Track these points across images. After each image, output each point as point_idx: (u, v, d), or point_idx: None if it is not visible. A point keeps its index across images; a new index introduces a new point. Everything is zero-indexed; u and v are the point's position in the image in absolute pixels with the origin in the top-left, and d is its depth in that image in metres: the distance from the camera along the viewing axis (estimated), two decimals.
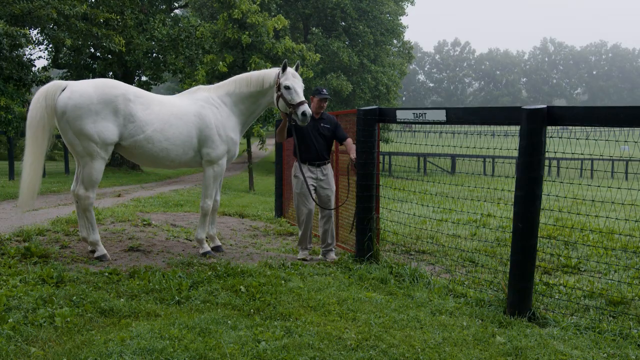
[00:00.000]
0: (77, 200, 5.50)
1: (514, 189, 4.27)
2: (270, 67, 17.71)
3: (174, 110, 5.61)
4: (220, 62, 17.26)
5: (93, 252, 5.47)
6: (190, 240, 6.56)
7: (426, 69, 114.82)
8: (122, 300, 4.10)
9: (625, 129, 4.33)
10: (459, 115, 5.07)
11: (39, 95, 5.21)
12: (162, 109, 5.55)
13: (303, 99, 5.64)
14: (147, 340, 3.33)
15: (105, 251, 5.48)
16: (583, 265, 6.08)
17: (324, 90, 6.11)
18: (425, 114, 5.25)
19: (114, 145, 5.43)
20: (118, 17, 18.75)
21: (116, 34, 17.91)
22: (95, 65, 21.60)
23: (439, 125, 6.00)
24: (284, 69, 5.69)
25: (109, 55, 21.25)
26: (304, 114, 5.54)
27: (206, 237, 6.00)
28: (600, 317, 4.24)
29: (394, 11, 33.43)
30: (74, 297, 4.01)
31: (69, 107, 5.12)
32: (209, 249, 5.90)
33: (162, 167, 5.96)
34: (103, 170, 5.48)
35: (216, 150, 5.75)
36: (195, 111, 5.69)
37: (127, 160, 22.76)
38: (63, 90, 5.21)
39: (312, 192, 5.95)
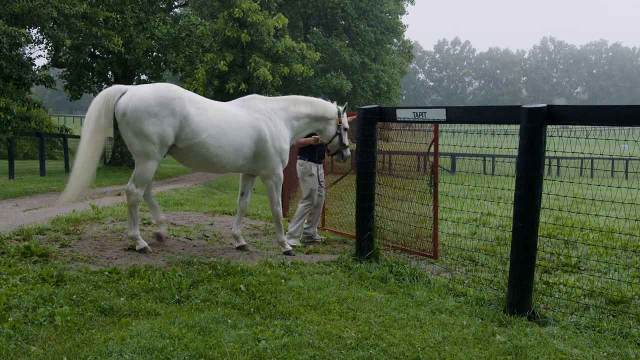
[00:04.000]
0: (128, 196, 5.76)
1: (514, 188, 4.27)
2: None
3: (228, 119, 5.77)
4: (221, 61, 17.26)
5: (133, 247, 5.75)
6: (191, 239, 6.56)
7: (426, 68, 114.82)
8: (122, 299, 4.10)
9: (625, 128, 4.33)
10: (458, 114, 5.07)
11: (100, 97, 5.50)
12: (217, 116, 5.73)
13: None
14: (147, 339, 3.33)
15: (145, 244, 5.75)
16: (583, 264, 6.08)
17: (327, 99, 6.81)
18: (425, 112, 5.25)
19: (170, 147, 5.65)
20: (118, 15, 18.74)
21: (115, 33, 17.90)
22: (95, 65, 21.57)
23: (439, 124, 6.02)
24: (344, 110, 6.46)
25: (109, 55, 21.23)
26: (349, 155, 6.54)
27: (236, 235, 6.32)
28: (600, 316, 4.24)
29: (394, 10, 33.43)
30: (74, 296, 4.01)
31: (128, 109, 5.39)
32: (289, 248, 6.28)
33: (213, 172, 6.20)
34: (155, 170, 5.69)
35: (271, 162, 6.01)
36: (250, 123, 5.88)
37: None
38: (123, 94, 5.48)
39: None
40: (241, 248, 6.20)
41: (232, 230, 6.39)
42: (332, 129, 6.38)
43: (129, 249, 5.76)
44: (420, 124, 6.14)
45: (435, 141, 6.08)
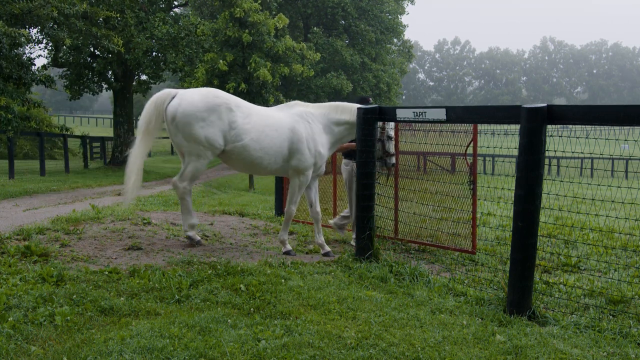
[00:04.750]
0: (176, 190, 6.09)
1: (514, 188, 4.27)
2: (269, 67, 17.84)
3: (269, 122, 5.99)
4: (220, 61, 17.26)
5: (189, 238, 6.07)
6: None
7: (426, 67, 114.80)
8: (122, 299, 4.10)
9: (625, 127, 4.33)
10: (458, 114, 5.07)
11: (151, 102, 5.90)
12: (260, 120, 5.96)
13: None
14: (147, 339, 3.33)
15: (198, 237, 6.11)
16: (583, 264, 6.09)
17: (370, 100, 6.90)
18: (425, 112, 5.25)
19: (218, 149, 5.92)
20: (118, 15, 18.74)
21: (115, 33, 17.89)
22: (95, 64, 21.57)
23: (439, 124, 6.04)
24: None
25: (109, 55, 21.23)
26: (393, 164, 6.51)
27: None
28: (600, 316, 4.24)
29: (394, 10, 33.43)
30: (74, 296, 4.01)
31: (178, 113, 5.71)
32: (290, 248, 6.27)
33: (255, 174, 6.49)
34: (204, 169, 6.03)
35: (304, 162, 6.10)
36: (289, 124, 6.06)
37: (127, 159, 22.77)
38: (173, 98, 5.80)
39: None
40: (287, 253, 6.19)
41: (279, 236, 6.41)
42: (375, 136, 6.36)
43: (129, 248, 5.76)
44: (457, 126, 6.41)
45: (474, 142, 6.31)
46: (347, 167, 7.11)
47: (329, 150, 6.35)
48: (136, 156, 5.90)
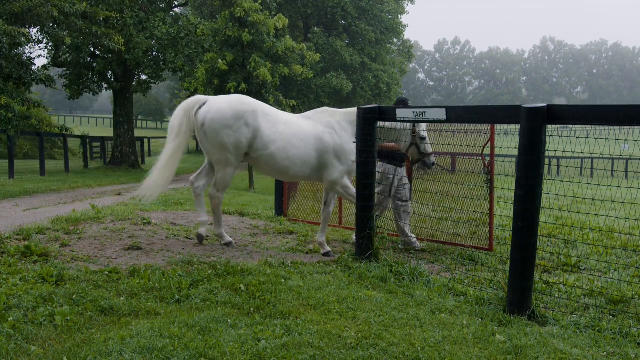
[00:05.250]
0: (210, 199, 6.26)
1: (514, 188, 4.27)
2: (269, 66, 17.86)
3: (296, 131, 6.08)
4: (220, 61, 17.26)
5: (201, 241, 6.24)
6: (191, 239, 6.56)
7: (426, 67, 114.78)
8: (122, 298, 4.10)
9: (625, 127, 4.33)
10: (458, 114, 5.07)
11: (180, 108, 6.05)
12: (286, 129, 6.06)
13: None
14: (147, 339, 3.33)
15: (230, 239, 6.34)
16: (583, 264, 6.09)
17: (409, 102, 6.88)
18: (425, 112, 5.25)
19: (244, 155, 6.07)
20: (118, 14, 18.73)
21: (116, 32, 17.88)
22: (95, 64, 21.56)
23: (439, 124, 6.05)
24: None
25: (109, 54, 21.22)
26: (433, 163, 6.45)
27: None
28: (600, 316, 4.24)
29: (394, 10, 33.42)
30: (74, 296, 4.01)
31: (207, 120, 5.85)
32: (329, 249, 6.31)
33: (284, 180, 6.68)
34: (233, 175, 6.20)
35: (334, 172, 6.16)
36: (315, 134, 6.12)
37: (127, 159, 22.76)
38: (202, 105, 5.94)
39: None
40: (326, 255, 6.22)
41: (316, 238, 6.47)
42: (406, 138, 6.37)
43: (129, 248, 5.76)
44: (474, 126, 6.50)
45: (491, 141, 6.40)
46: (379, 169, 6.87)
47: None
48: (165, 158, 6.02)
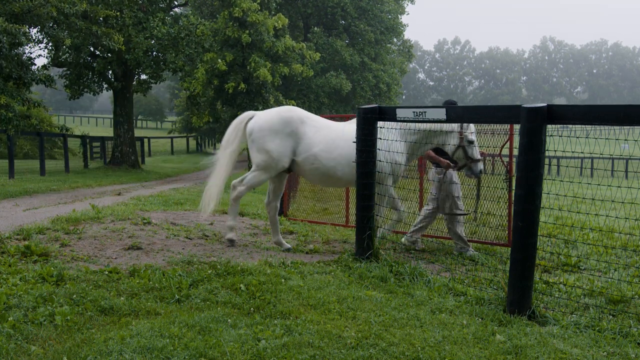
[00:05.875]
0: (267, 207, 6.66)
1: (514, 188, 4.27)
2: (269, 66, 17.86)
3: (340, 134, 6.21)
4: (220, 61, 17.25)
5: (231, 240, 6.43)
6: (191, 239, 6.56)
7: (426, 67, 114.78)
8: (122, 298, 4.10)
9: (625, 127, 4.33)
10: (459, 114, 5.07)
11: (233, 124, 6.47)
12: (330, 133, 6.24)
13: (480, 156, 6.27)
14: (147, 339, 3.33)
15: (288, 246, 6.52)
16: (583, 263, 6.09)
17: (456, 102, 6.65)
18: (425, 112, 5.25)
19: (291, 162, 6.27)
20: (117, 14, 18.72)
21: (115, 32, 17.88)
22: (95, 64, 21.55)
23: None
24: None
25: (109, 54, 21.21)
26: (481, 171, 6.27)
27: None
28: (600, 316, 4.24)
29: (394, 10, 33.40)
30: (74, 296, 4.01)
31: (255, 128, 6.24)
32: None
33: (332, 185, 6.74)
34: (264, 182, 6.52)
35: (379, 172, 6.03)
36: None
37: (127, 159, 22.75)
38: (251, 118, 6.36)
39: None
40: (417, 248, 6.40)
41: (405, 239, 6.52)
42: (452, 141, 6.16)
43: (128, 248, 5.76)
44: (500, 127, 6.49)
45: (510, 141, 6.41)
46: (438, 175, 6.71)
47: (407, 158, 6.28)
48: (219, 172, 6.41)
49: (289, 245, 6.55)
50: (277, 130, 6.15)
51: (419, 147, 6.27)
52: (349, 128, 6.19)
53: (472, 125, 6.15)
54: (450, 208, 6.58)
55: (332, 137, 6.19)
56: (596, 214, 5.03)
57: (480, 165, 6.23)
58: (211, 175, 6.49)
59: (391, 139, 6.08)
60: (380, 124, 6.04)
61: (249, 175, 6.39)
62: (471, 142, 6.16)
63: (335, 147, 6.15)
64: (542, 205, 4.25)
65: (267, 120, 6.21)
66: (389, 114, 5.63)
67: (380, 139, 5.80)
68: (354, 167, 5.95)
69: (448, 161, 6.44)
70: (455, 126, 6.06)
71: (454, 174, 6.57)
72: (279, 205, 6.71)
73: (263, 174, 6.30)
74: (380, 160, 5.88)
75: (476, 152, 6.18)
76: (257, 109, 18.06)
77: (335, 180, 6.38)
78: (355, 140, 5.71)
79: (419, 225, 6.82)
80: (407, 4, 35.70)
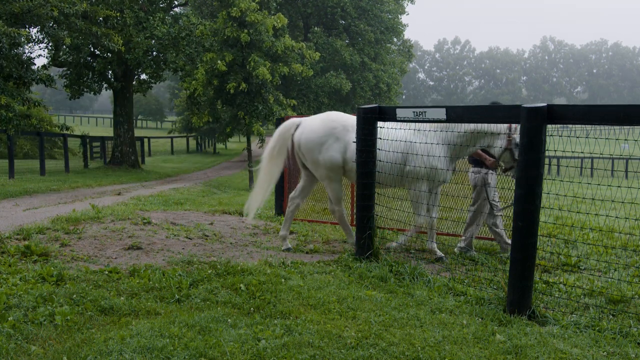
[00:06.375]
0: (332, 212, 6.63)
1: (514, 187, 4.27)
2: (269, 66, 17.85)
3: (385, 137, 6.01)
4: (219, 61, 17.24)
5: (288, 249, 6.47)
6: (191, 239, 6.56)
7: (426, 67, 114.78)
8: (122, 298, 4.10)
9: (625, 127, 4.33)
10: (459, 114, 5.06)
11: (277, 132, 6.50)
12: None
13: None
14: (147, 339, 3.33)
15: (288, 244, 6.52)
16: (583, 263, 6.09)
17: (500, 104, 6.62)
18: (425, 112, 5.25)
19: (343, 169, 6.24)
20: (117, 14, 18.72)
21: (115, 33, 17.87)
22: (95, 64, 21.55)
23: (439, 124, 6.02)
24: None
25: (109, 54, 21.20)
26: None
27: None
28: (600, 316, 4.24)
29: (394, 10, 33.40)
30: (74, 296, 4.01)
31: (302, 141, 6.26)
32: (441, 254, 6.19)
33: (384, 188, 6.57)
34: (342, 187, 6.52)
35: (416, 174, 6.01)
36: (404, 138, 6.07)
37: (127, 159, 22.75)
38: (297, 127, 6.36)
39: None
40: (439, 260, 6.13)
41: (428, 246, 6.31)
42: (500, 144, 5.97)
43: (128, 248, 5.76)
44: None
45: None
46: (476, 175, 6.62)
47: (449, 161, 6.14)
48: (263, 179, 6.46)
49: (289, 246, 6.55)
50: (323, 142, 6.15)
51: (464, 150, 6.08)
52: (393, 132, 6.07)
53: (518, 127, 6.03)
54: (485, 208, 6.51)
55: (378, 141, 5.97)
56: (596, 214, 5.03)
57: None
58: (256, 182, 6.56)
59: (433, 142, 5.89)
60: (416, 126, 5.97)
61: (329, 193, 6.43)
62: (518, 145, 5.97)
63: (379, 151, 5.89)
64: (542, 205, 4.25)
65: (313, 131, 6.20)
66: (389, 114, 5.63)
67: (412, 142, 5.82)
68: (397, 170, 6.00)
69: (494, 160, 6.25)
70: (503, 128, 5.91)
71: (492, 176, 6.45)
72: (301, 203, 6.73)
73: (333, 183, 6.30)
74: (418, 166, 5.86)
75: None
76: (257, 109, 18.07)
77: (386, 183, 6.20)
78: (355, 140, 5.70)
79: (469, 234, 6.61)
80: (407, 4, 35.68)
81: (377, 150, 5.83)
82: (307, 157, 6.27)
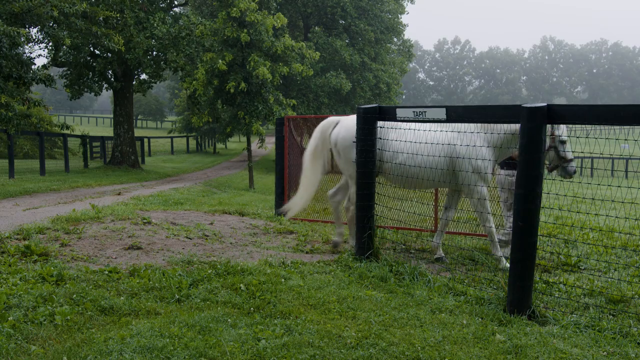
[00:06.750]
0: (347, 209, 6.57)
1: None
2: (269, 66, 17.86)
3: (425, 138, 5.96)
4: (220, 61, 17.24)
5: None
6: (191, 239, 6.56)
7: (426, 67, 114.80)
8: (122, 298, 4.10)
9: (625, 127, 4.33)
10: (459, 114, 5.06)
11: (317, 130, 6.53)
12: (414, 138, 6.01)
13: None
14: (147, 339, 3.33)
15: (341, 239, 6.57)
16: (583, 263, 6.09)
17: None
18: (425, 112, 5.25)
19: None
20: (118, 15, 18.72)
21: (116, 32, 17.87)
22: (95, 64, 21.55)
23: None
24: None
25: (109, 54, 21.20)
26: (574, 171, 5.89)
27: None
28: (600, 316, 4.24)
29: (394, 10, 33.40)
30: (74, 296, 4.01)
31: (339, 139, 6.28)
32: (507, 265, 5.77)
33: (417, 188, 6.47)
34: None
35: (468, 180, 5.89)
36: (446, 139, 5.95)
37: (127, 159, 22.75)
38: (336, 125, 6.38)
39: None
40: (438, 260, 6.13)
41: (432, 241, 6.28)
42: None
43: (128, 248, 5.76)
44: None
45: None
46: (511, 177, 6.48)
47: (493, 163, 6.08)
48: (307, 177, 6.47)
49: (345, 242, 6.52)
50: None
51: (505, 152, 5.97)
52: (433, 132, 5.98)
53: (563, 127, 5.86)
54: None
55: (416, 141, 5.93)
56: (596, 214, 5.04)
57: (574, 165, 5.88)
58: (301, 183, 6.54)
59: (477, 145, 5.76)
60: (458, 125, 5.83)
61: (350, 191, 6.38)
62: (563, 143, 5.84)
63: (419, 152, 5.91)
64: (542, 205, 4.25)
65: (350, 129, 6.11)
66: (389, 114, 5.63)
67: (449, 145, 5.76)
68: (440, 171, 5.90)
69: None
70: (548, 128, 5.68)
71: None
72: (343, 201, 6.66)
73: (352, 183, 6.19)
74: (465, 171, 5.74)
75: (569, 153, 5.86)
76: (257, 109, 18.06)
77: (420, 185, 6.16)
78: (355, 139, 5.69)
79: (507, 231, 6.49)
80: (407, 4, 35.70)
81: (418, 156, 5.81)
82: (342, 155, 6.27)
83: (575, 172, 5.93)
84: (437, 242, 6.29)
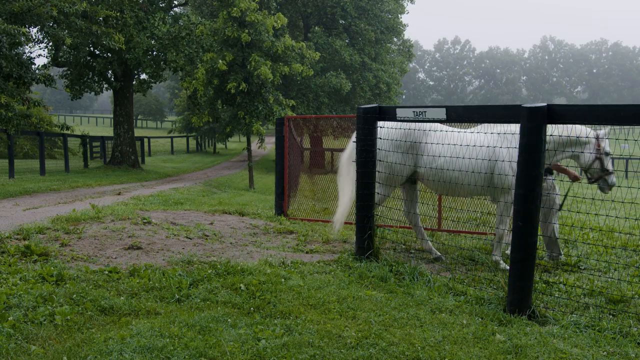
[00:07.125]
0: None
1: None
2: (269, 65, 17.86)
3: (464, 142, 5.91)
4: (220, 60, 17.24)
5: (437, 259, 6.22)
6: (191, 239, 6.56)
7: (426, 67, 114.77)
8: (122, 298, 4.10)
9: (625, 127, 4.33)
10: (459, 114, 5.06)
11: (353, 138, 6.29)
12: (454, 141, 5.97)
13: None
14: (147, 339, 3.33)
15: (438, 254, 6.30)
16: (583, 263, 6.09)
17: None
18: (425, 112, 5.25)
19: (414, 173, 6.14)
20: (117, 14, 18.72)
21: (116, 32, 17.87)
22: (95, 64, 21.54)
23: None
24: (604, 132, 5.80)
25: (109, 54, 21.19)
26: (613, 183, 5.72)
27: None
28: (600, 315, 4.24)
29: (394, 9, 33.38)
30: (74, 295, 4.01)
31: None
32: (506, 267, 5.74)
33: (456, 195, 6.35)
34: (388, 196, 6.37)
35: (505, 181, 5.77)
36: (487, 144, 5.88)
37: (127, 159, 22.74)
38: None
39: None
40: (438, 259, 6.15)
41: (492, 257, 6.05)
42: (588, 153, 5.71)
43: (128, 248, 5.76)
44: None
45: None
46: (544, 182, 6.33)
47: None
48: (348, 182, 6.37)
49: (438, 254, 6.29)
50: (398, 144, 6.00)
51: (551, 156, 5.78)
52: (474, 136, 5.93)
53: (606, 139, 5.79)
54: (545, 217, 6.17)
55: (454, 147, 5.88)
56: (596, 214, 5.04)
57: (614, 178, 5.75)
58: (340, 188, 6.47)
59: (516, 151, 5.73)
60: (499, 130, 5.75)
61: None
62: (607, 154, 5.72)
63: (457, 157, 5.81)
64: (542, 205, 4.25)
65: (389, 135, 6.03)
66: (389, 114, 5.63)
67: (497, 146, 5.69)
68: (477, 178, 5.81)
69: (576, 173, 6.10)
70: (592, 137, 5.68)
71: (555, 184, 6.22)
72: (417, 211, 6.50)
73: (386, 188, 6.09)
74: (506, 175, 5.64)
75: (611, 165, 5.75)
76: (257, 109, 18.05)
77: (460, 191, 6.01)
78: (354, 140, 5.69)
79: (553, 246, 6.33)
80: (407, 4, 35.65)
81: (457, 159, 5.70)
82: (377, 156, 6.12)
83: (615, 184, 5.75)
84: (426, 246, 6.35)
